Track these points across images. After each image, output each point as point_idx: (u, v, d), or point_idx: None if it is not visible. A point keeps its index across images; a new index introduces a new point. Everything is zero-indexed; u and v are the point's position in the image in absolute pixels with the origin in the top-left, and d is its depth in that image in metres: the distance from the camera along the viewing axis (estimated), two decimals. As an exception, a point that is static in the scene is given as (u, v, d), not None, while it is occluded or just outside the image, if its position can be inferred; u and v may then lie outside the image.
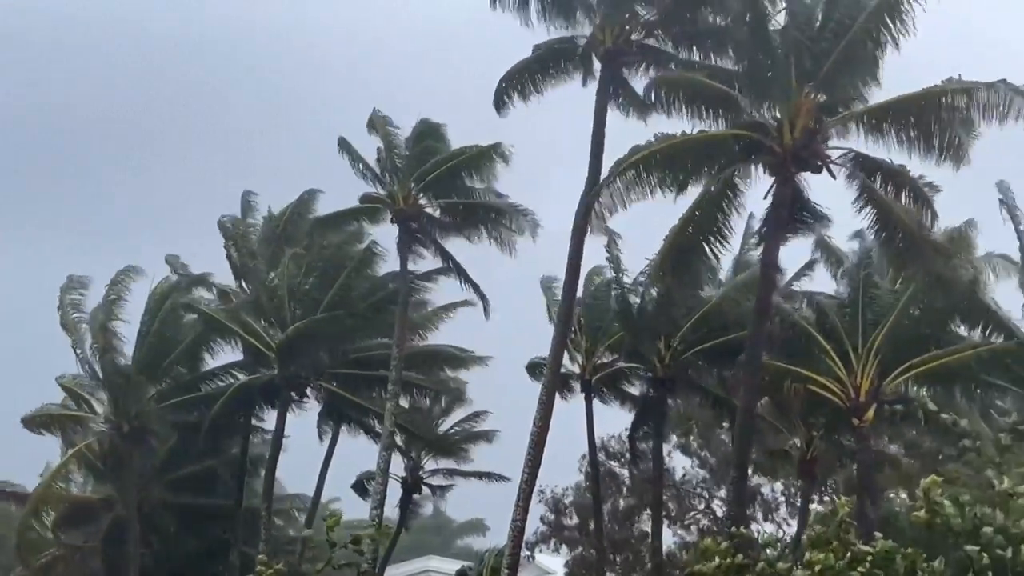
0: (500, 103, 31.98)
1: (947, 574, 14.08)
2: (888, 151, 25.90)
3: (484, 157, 34.54)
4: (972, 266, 28.94)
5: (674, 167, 27.09)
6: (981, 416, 28.15)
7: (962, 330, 29.97)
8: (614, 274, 35.18)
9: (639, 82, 30.98)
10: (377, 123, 36.56)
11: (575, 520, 43.24)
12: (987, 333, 29.02)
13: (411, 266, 36.80)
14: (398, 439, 38.33)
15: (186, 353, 39.22)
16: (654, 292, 32.92)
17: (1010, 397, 30.08)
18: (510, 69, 31.90)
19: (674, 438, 42.28)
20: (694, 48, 29.52)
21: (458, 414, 42.10)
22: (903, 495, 30.11)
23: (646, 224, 31.16)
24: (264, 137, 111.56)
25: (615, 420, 37.95)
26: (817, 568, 14.79)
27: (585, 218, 29.14)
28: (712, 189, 26.93)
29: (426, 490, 43.70)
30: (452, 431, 42.17)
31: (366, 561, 23.35)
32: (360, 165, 36.01)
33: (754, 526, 41.09)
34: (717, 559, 16.19)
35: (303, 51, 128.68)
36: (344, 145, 36.18)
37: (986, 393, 29.56)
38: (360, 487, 41.23)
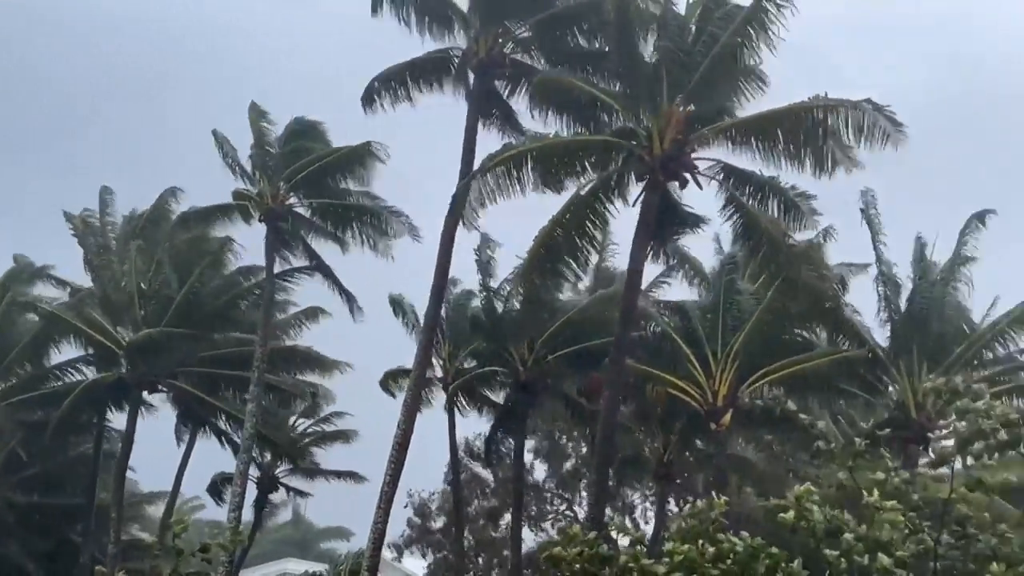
0: (369, 101, 31.74)
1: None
2: (761, 163, 26.55)
3: (355, 156, 33.95)
4: (829, 274, 29.92)
5: (546, 168, 27.25)
6: (832, 422, 29.14)
7: (817, 337, 31.08)
8: (481, 277, 35.31)
9: (514, 102, 31.50)
10: (252, 117, 35.56)
11: (441, 523, 43.23)
12: (840, 340, 30.12)
13: (281, 267, 36.20)
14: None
15: (29, 350, 37.86)
16: (519, 297, 33.11)
17: (860, 403, 31.34)
18: (384, 71, 31.72)
19: (535, 442, 42.70)
20: (567, 66, 29.70)
21: (318, 415, 41.85)
22: (757, 497, 30.89)
23: (514, 234, 31.34)
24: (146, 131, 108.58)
25: (486, 423, 38.06)
26: (678, 559, 15.01)
27: (453, 214, 29.08)
28: (582, 193, 27.20)
29: (286, 492, 43.19)
30: (308, 431, 41.87)
31: (214, 571, 22.79)
32: (229, 160, 35.08)
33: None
34: (580, 547, 16.28)
35: (177, 41, 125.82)
36: (217, 138, 35.23)
37: (837, 399, 30.62)
38: (215, 489, 40.38)
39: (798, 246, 27.83)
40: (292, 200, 35.13)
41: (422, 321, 31.88)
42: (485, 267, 35.26)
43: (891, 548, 14.25)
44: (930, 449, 14.32)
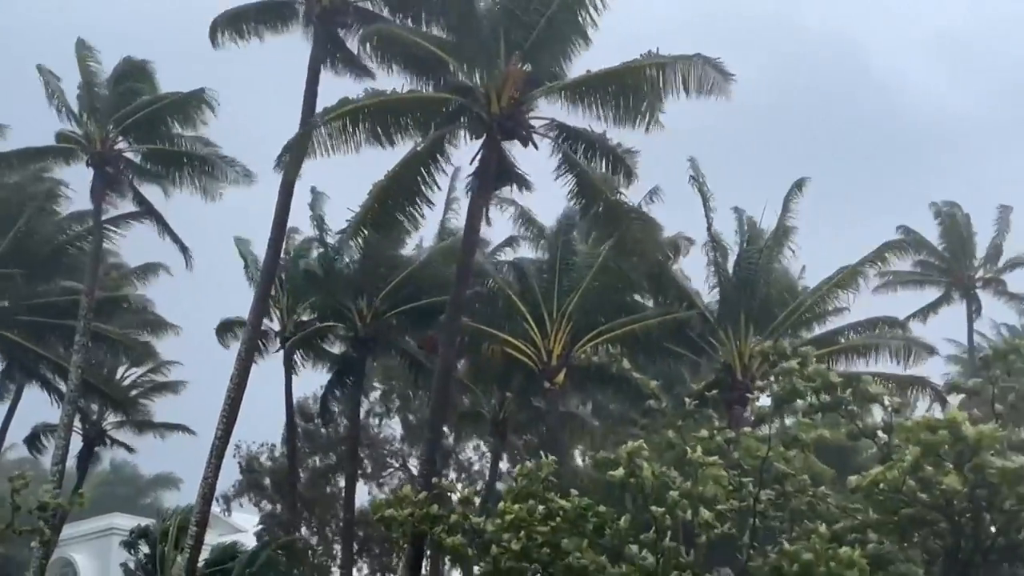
0: (214, 39, 30.81)
1: (631, 532, 14.88)
2: (595, 121, 26.77)
3: (189, 103, 32.75)
4: (657, 233, 30.53)
5: (382, 124, 26.95)
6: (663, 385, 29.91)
7: (650, 300, 31.80)
8: (317, 231, 34.82)
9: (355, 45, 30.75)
10: (80, 54, 33.63)
11: (272, 478, 42.68)
12: (671, 302, 30.88)
13: (109, 214, 34.71)
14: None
15: None
16: (357, 251, 32.84)
17: (688, 364, 32.25)
18: (228, 10, 30.76)
19: (372, 398, 42.57)
20: (409, 17, 29.28)
21: (148, 365, 40.80)
22: (588, 455, 31.54)
23: (352, 188, 30.97)
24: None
25: (325, 377, 37.68)
26: (509, 519, 15.24)
27: (288, 164, 28.50)
28: (419, 149, 27.03)
29: (113, 445, 42.01)
30: (138, 382, 40.76)
31: (48, 525, 22.07)
32: (56, 100, 33.31)
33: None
34: (411, 508, 16.37)
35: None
36: (43, 75, 33.24)
37: (667, 360, 31.40)
38: (34, 440, 39.03)
39: (629, 205, 28.32)
40: (122, 144, 33.74)
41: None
42: (320, 221, 34.81)
43: (714, 504, 14.81)
44: (749, 408, 14.84)
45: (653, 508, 14.24)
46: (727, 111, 27.49)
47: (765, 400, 25.93)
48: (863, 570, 13.41)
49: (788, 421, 17.10)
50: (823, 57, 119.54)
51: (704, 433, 15.19)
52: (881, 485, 14.50)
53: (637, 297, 32.30)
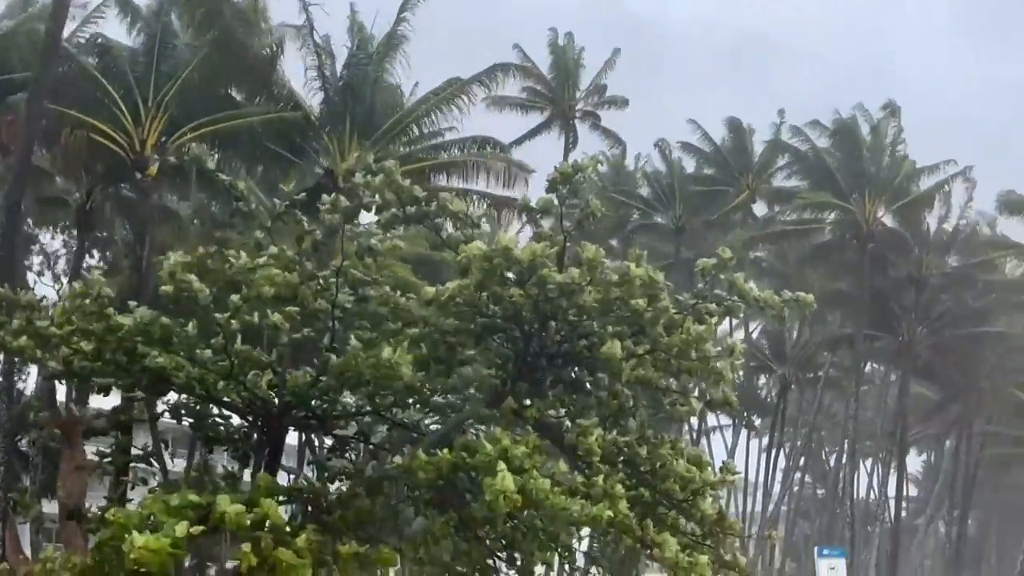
0: None
1: (199, 338, 14.57)
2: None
3: None
4: (269, 34, 29.36)
5: None
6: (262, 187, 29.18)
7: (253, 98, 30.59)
8: None
9: None
10: None
11: None
12: (275, 103, 29.93)
13: None
14: None
15: None
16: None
17: (292, 168, 31.60)
18: None
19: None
20: None
21: None
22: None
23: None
24: None
25: None
26: (67, 330, 14.59)
27: None
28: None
29: None
30: None
31: None
32: None
33: (32, 276, 39.74)
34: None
35: None
36: None
37: (268, 161, 30.59)
38: None
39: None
40: None
41: None
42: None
43: (285, 306, 14.74)
44: (323, 215, 14.79)
45: (216, 315, 13.99)
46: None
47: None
48: (418, 361, 13.95)
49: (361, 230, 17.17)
50: None
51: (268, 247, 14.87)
52: (457, 299, 14.95)
53: (240, 95, 30.96)
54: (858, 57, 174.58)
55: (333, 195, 15.62)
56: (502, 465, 12.44)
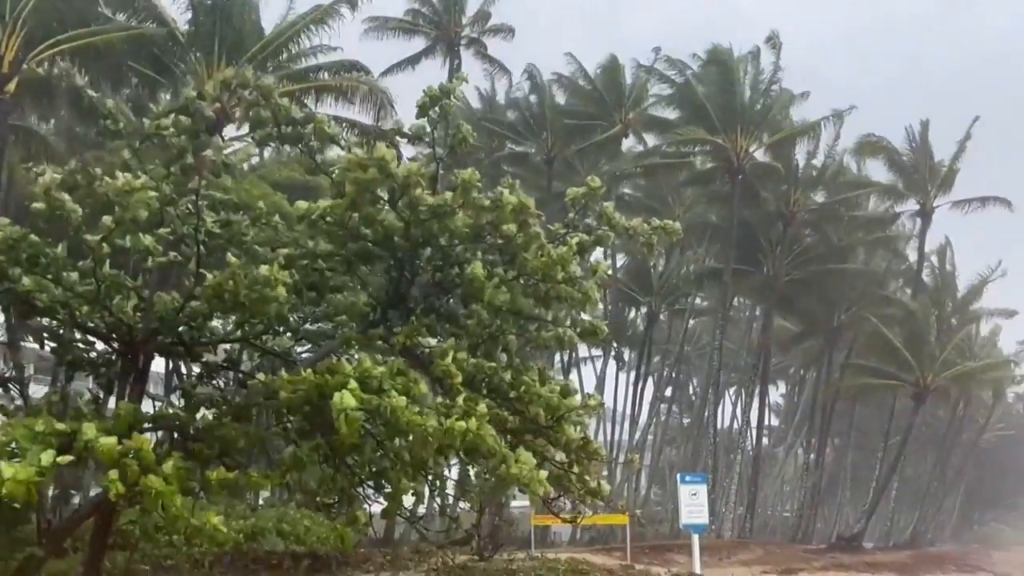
0: None
1: (71, 260, 14.17)
2: None
3: None
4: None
5: None
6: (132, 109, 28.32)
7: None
8: None
9: None
10: None
11: None
12: (140, 19, 28.98)
13: None
14: None
15: None
16: None
17: (161, 89, 30.72)
18: None
19: None
20: None
21: None
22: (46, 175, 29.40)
23: None
24: None
25: None
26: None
27: None
28: None
29: None
30: None
31: None
32: None
33: None
34: None
35: None
36: None
37: (131, 79, 29.67)
38: None
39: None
40: None
41: None
42: None
43: (154, 229, 14.36)
44: (168, 139, 14.40)
45: (87, 236, 13.54)
46: None
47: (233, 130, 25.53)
48: (289, 283, 13.73)
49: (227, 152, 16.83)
50: None
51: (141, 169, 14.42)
52: (328, 219, 14.75)
53: (106, 12, 29.88)
54: None
55: (172, 116, 15.09)
56: (353, 384, 12.29)
